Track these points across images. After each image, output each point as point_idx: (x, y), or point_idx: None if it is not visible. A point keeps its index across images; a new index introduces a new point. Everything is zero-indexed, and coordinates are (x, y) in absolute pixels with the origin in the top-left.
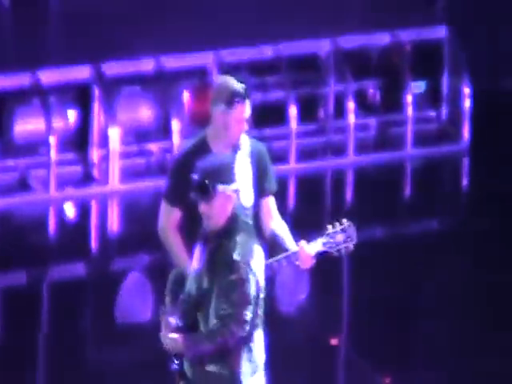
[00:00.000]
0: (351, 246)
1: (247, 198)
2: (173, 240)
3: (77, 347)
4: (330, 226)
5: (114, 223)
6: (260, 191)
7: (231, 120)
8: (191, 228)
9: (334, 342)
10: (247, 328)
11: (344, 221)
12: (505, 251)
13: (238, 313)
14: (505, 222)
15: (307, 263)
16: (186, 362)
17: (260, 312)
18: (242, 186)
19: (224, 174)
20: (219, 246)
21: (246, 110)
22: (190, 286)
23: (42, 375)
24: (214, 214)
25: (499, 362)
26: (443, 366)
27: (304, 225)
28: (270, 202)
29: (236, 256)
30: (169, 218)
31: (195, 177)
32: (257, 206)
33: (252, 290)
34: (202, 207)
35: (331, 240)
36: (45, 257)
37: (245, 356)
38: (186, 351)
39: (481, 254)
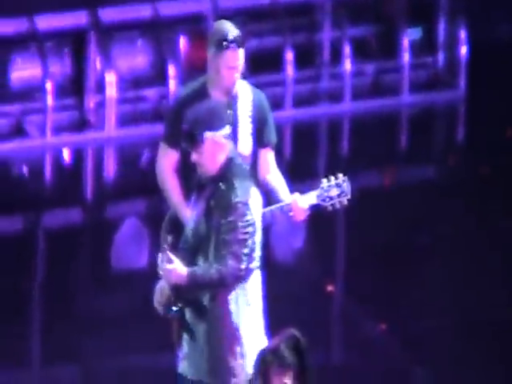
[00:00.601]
0: (345, 201)
1: (246, 147)
2: (170, 182)
3: (73, 294)
4: (324, 180)
5: (110, 169)
6: (259, 142)
7: (220, 64)
8: (188, 172)
9: (330, 288)
10: (244, 265)
11: (340, 175)
12: (501, 199)
13: (235, 250)
14: (500, 169)
15: (300, 215)
16: (188, 310)
17: (256, 255)
18: (241, 135)
19: (212, 120)
20: (216, 190)
21: (237, 57)
22: (188, 232)
23: (36, 322)
24: (205, 161)
25: (499, 312)
26: (439, 313)
27: (299, 171)
28: (268, 154)
29: (234, 198)
30: (166, 159)
31: (184, 126)
32: (255, 156)
33: (250, 229)
34: (193, 156)
35: (325, 194)
36: (41, 203)
37: (242, 298)
38: (186, 283)
39: (478, 201)
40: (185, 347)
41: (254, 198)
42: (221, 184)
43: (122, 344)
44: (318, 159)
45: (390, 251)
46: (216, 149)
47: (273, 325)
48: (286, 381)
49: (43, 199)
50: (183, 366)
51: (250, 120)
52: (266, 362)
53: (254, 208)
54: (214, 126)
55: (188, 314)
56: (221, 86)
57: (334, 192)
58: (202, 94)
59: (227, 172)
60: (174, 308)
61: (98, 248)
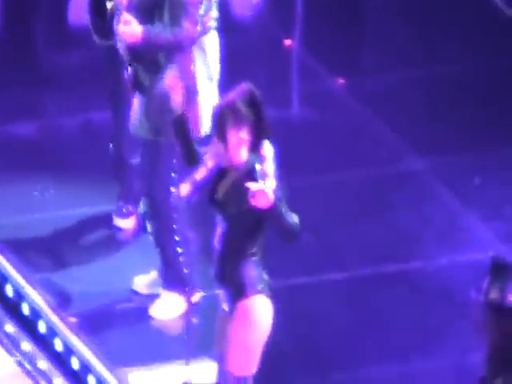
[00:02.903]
0: None
1: None
2: None
3: (32, 49)
4: None
5: None
6: None
7: None
8: None
9: (287, 42)
10: (200, 27)
11: None
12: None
13: (191, 11)
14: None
15: None
16: (142, 67)
17: (213, 15)
18: None
19: None
20: None
21: None
22: None
23: None
24: None
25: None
26: (398, 67)
27: None
28: None
29: None
30: None
31: None
32: None
33: None
34: None
35: None
36: None
37: (199, 57)
38: (141, 41)
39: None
40: (135, 107)
41: None
42: None
43: (82, 101)
44: None
45: None
46: None
47: (230, 81)
48: (241, 135)
49: None
50: (133, 128)
51: None
52: (222, 117)
53: None
54: None
55: (141, 72)
56: None
57: None
58: None
59: None
60: (129, 67)
61: (56, 4)
